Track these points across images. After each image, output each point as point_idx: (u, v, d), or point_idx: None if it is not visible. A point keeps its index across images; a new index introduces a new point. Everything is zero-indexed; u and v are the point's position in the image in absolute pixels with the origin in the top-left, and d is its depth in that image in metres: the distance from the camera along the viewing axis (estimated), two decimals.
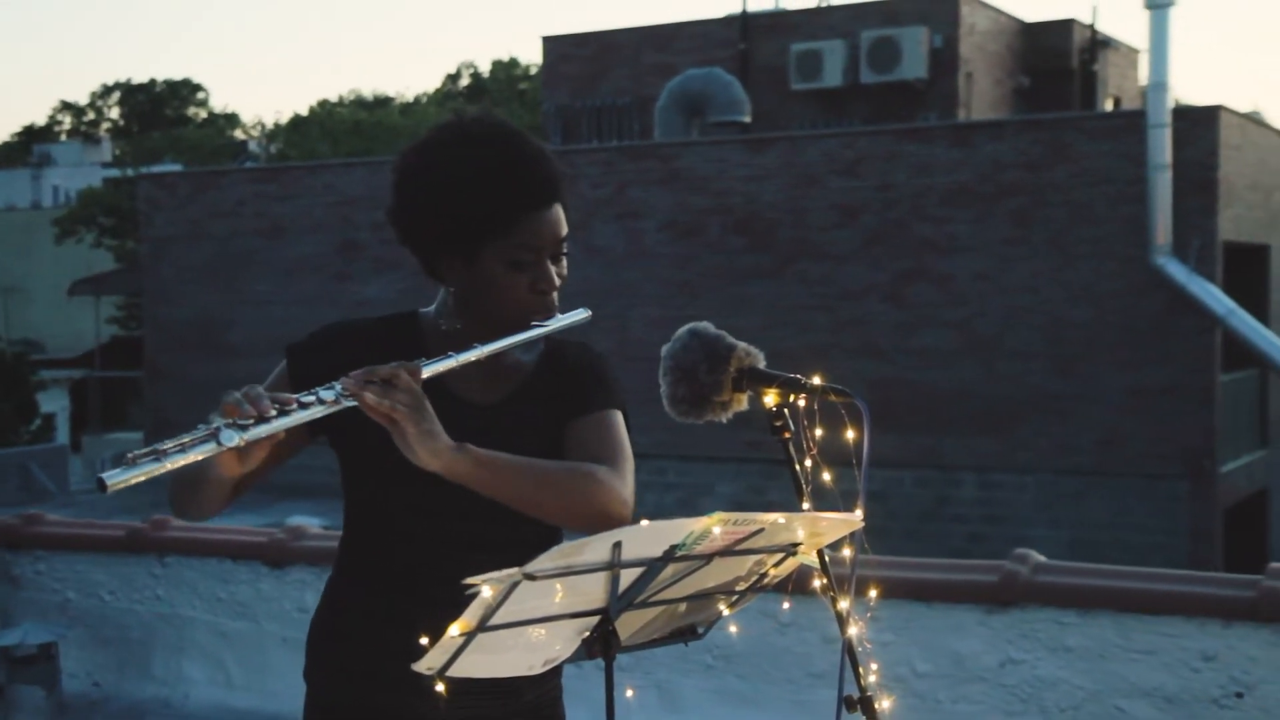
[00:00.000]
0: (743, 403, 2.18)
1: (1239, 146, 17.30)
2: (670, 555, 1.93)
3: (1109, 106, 24.02)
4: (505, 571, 1.80)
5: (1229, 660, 4.22)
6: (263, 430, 1.92)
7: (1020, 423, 16.23)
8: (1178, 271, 16.08)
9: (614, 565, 1.89)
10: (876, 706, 2.07)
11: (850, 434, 2.07)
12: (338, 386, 1.99)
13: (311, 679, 2.32)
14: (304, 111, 39.36)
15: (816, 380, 2.12)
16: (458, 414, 2.17)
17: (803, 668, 4.70)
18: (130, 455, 1.88)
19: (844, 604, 2.10)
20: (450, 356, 2.09)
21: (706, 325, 2.19)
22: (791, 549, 2.07)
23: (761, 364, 2.17)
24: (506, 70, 40.17)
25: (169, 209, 21.75)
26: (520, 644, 1.98)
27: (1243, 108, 17.02)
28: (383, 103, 40.19)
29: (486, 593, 1.81)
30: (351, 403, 1.98)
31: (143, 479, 1.88)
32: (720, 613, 2.17)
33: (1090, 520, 15.97)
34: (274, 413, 1.94)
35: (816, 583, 2.12)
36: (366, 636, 2.24)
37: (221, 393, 1.97)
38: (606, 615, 1.99)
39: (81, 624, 5.73)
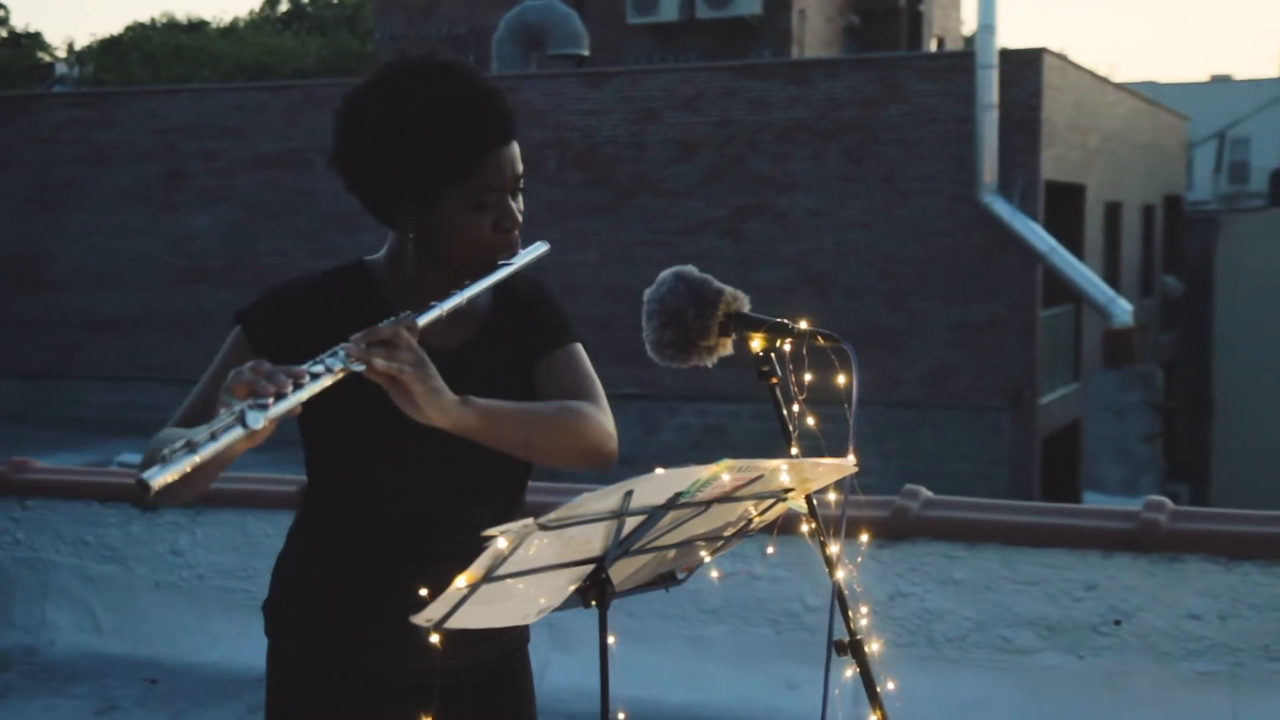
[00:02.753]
0: (728, 347, 2.17)
1: (1060, 88, 17.81)
2: (673, 502, 1.92)
3: (934, 46, 24.50)
4: (520, 522, 1.77)
5: (1109, 590, 4.38)
6: (284, 406, 1.85)
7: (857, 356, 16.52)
8: (1003, 210, 16.55)
9: (620, 514, 1.88)
10: (866, 649, 2.09)
11: (841, 378, 2.07)
12: (341, 353, 1.92)
13: (277, 635, 2.25)
14: (115, 33, 37.88)
15: (803, 324, 2.12)
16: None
17: (695, 603, 4.74)
18: (166, 452, 1.80)
19: (833, 548, 2.11)
20: (434, 307, 2.02)
21: (691, 269, 2.16)
22: (783, 495, 2.08)
23: (747, 308, 2.16)
24: None
25: None
26: (517, 594, 1.96)
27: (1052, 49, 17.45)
28: (197, 26, 38.85)
29: (502, 543, 1.78)
30: (359, 367, 1.92)
31: (180, 474, 1.79)
32: (701, 559, 2.17)
33: (919, 451, 16.43)
34: (290, 388, 1.87)
35: (805, 527, 2.12)
36: (341, 592, 2.17)
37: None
38: (601, 564, 1.97)
39: None
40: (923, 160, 16.78)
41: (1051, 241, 16.74)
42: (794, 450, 2.13)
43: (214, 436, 1.80)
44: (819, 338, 2.11)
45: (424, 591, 1.92)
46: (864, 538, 2.06)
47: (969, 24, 29.22)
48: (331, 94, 19.68)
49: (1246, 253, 25.32)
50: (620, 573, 2.03)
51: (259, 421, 1.81)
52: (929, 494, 4.65)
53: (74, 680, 5.09)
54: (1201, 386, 24.97)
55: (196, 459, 1.77)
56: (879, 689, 2.11)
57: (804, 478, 2.05)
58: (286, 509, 5.13)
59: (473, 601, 1.88)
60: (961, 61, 17.17)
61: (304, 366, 1.89)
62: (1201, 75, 66.74)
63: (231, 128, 19.36)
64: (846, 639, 2.12)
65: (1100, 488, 16.94)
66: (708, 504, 1.96)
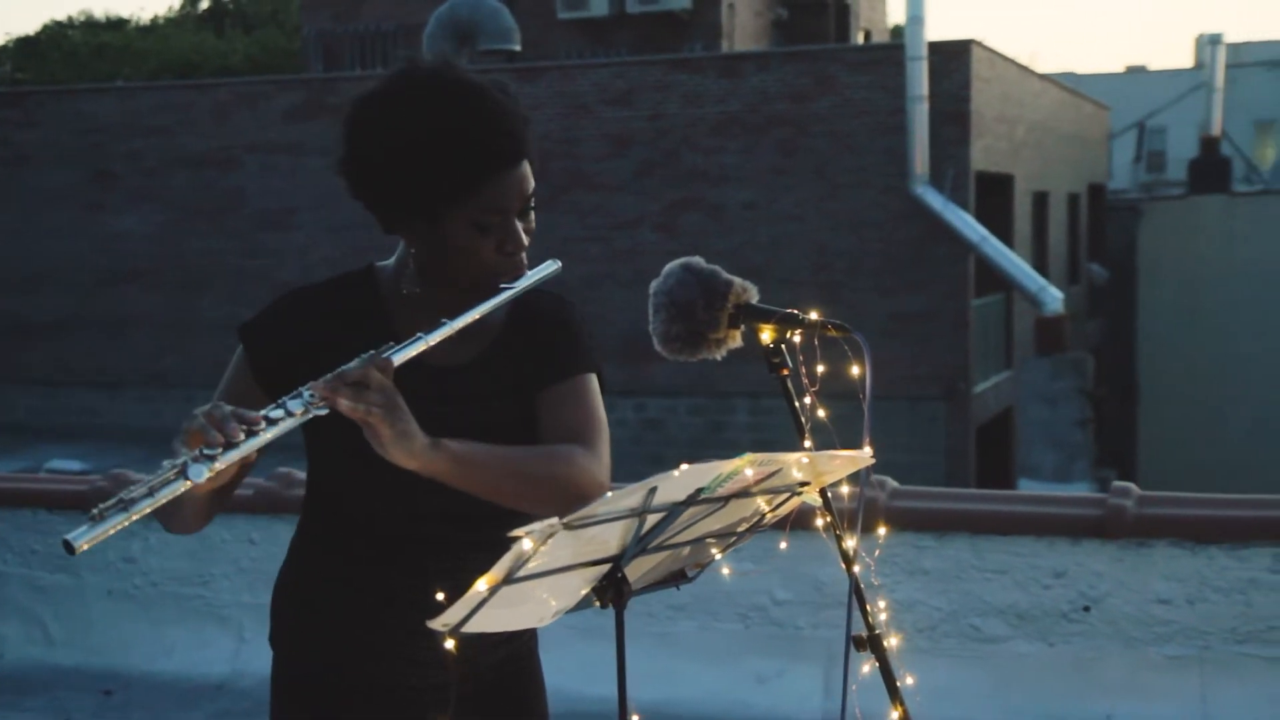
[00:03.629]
0: (737, 339, 2.12)
1: (988, 80, 17.96)
2: (694, 498, 1.88)
3: (861, 39, 24.62)
4: (545, 522, 1.72)
5: (1077, 576, 4.39)
6: (232, 456, 1.79)
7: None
8: (935, 200, 16.65)
9: (643, 511, 1.84)
10: (885, 644, 2.06)
11: (855, 369, 2.04)
12: (305, 394, 1.86)
13: (281, 645, 2.18)
14: (30, 31, 37.16)
15: (814, 315, 2.08)
16: (424, 379, 2.05)
17: (663, 600, 4.71)
18: (96, 511, 1.74)
19: (850, 542, 2.08)
20: (420, 338, 1.95)
21: (699, 260, 2.12)
22: (798, 488, 2.04)
23: (756, 299, 2.12)
24: None
25: None
26: (534, 596, 1.91)
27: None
28: (116, 25, 38.19)
29: (527, 545, 1.73)
30: (322, 410, 1.85)
31: (114, 531, 1.74)
32: (712, 556, 2.13)
33: (856, 442, 16.48)
34: (241, 436, 1.80)
35: (819, 521, 2.09)
36: (345, 604, 2.11)
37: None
38: (617, 563, 1.93)
39: None
40: (854, 152, 16.85)
41: (983, 231, 16.87)
42: (807, 443, 2.09)
43: (152, 492, 1.74)
44: (830, 328, 2.07)
45: (440, 595, 1.86)
46: (881, 530, 2.05)
47: (894, 17, 29.45)
48: (260, 91, 19.58)
49: (1167, 240, 25.71)
50: (634, 572, 1.98)
51: (202, 475, 1.75)
52: (895, 484, 4.64)
53: (26, 693, 4.96)
54: (1127, 372, 25.31)
55: (135, 516, 1.72)
56: (899, 684, 2.07)
57: (820, 471, 2.02)
58: (242, 513, 5.04)
59: (491, 605, 1.84)
60: (891, 54, 17.27)
61: (262, 411, 1.83)
62: (1118, 66, 67.71)
63: (159, 127, 19.05)
64: (865, 634, 2.08)
65: (1034, 474, 17.10)
66: (726, 499, 1.93)
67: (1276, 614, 4.26)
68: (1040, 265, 20.07)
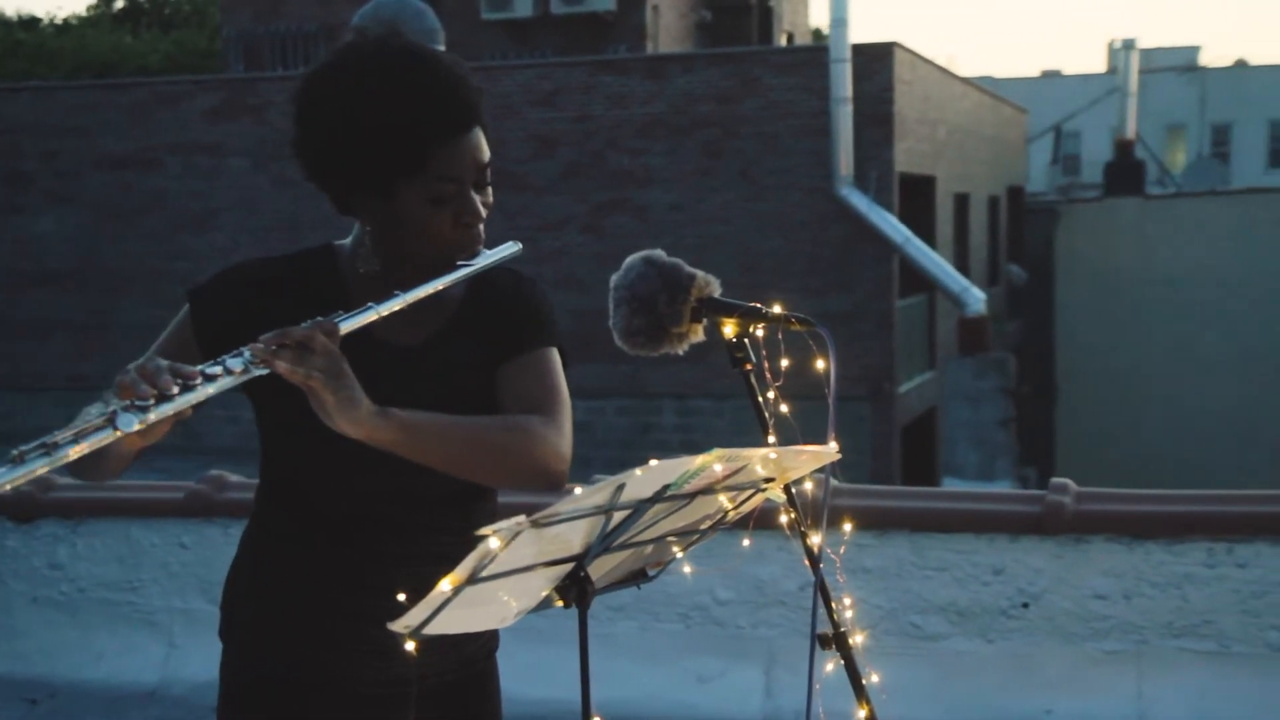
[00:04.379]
0: (699, 333, 2.10)
1: (910, 82, 18.11)
2: (659, 495, 1.85)
3: (784, 41, 24.73)
4: (511, 520, 1.69)
5: (1016, 573, 4.41)
6: (165, 409, 1.73)
7: (715, 350, 16.52)
8: (859, 202, 16.76)
9: (609, 508, 1.80)
10: (851, 642, 2.04)
11: (820, 363, 2.02)
12: (246, 353, 1.80)
13: (233, 639, 2.12)
14: None
15: (777, 309, 2.06)
16: (380, 357, 2.01)
17: (603, 601, 4.67)
18: (17, 452, 1.68)
19: (815, 539, 2.06)
20: (370, 308, 1.90)
21: (661, 253, 2.09)
22: (762, 485, 2.02)
23: (719, 292, 2.09)
24: None
25: None
26: (496, 597, 1.87)
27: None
28: (29, 24, 37.48)
29: (494, 543, 1.69)
30: (262, 370, 1.80)
31: (36, 474, 1.69)
32: (674, 554, 2.10)
33: (783, 442, 16.55)
34: (175, 389, 1.74)
35: (783, 518, 2.07)
36: (302, 592, 2.06)
37: None
38: (580, 562, 1.90)
39: None
40: (779, 154, 16.91)
41: (906, 232, 17.01)
42: (771, 438, 2.08)
43: (78, 438, 1.69)
44: (793, 322, 2.05)
45: (402, 596, 1.82)
46: (847, 527, 2.04)
47: (816, 19, 29.63)
48: (181, 92, 19.28)
49: (1083, 241, 26.09)
50: (596, 571, 1.95)
51: (132, 425, 1.70)
52: (836, 482, 4.62)
53: None
54: (1045, 372, 25.64)
55: (59, 460, 1.67)
56: (864, 681, 2.05)
57: (786, 467, 2.00)
58: (173, 517, 4.94)
59: (454, 605, 1.80)
60: (815, 56, 17.35)
61: (200, 367, 1.78)
62: (1034, 71, 68.64)
63: (75, 127, 18.70)
64: (830, 632, 2.06)
65: (958, 473, 17.27)
66: (692, 496, 1.90)
67: (1211, 608, 4.31)
68: (962, 266, 20.27)
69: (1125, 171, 27.85)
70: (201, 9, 36.54)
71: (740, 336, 2.07)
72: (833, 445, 1.97)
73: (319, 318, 1.84)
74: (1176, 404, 24.83)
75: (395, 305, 1.93)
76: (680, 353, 2.11)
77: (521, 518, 1.69)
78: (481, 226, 2.06)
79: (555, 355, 2.11)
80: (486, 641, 2.21)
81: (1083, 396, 25.37)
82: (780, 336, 2.09)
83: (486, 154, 2.04)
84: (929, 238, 18.38)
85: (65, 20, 39.48)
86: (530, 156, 17.19)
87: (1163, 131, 47.34)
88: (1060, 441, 25.35)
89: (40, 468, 1.67)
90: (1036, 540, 4.40)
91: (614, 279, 2.09)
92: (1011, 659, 4.42)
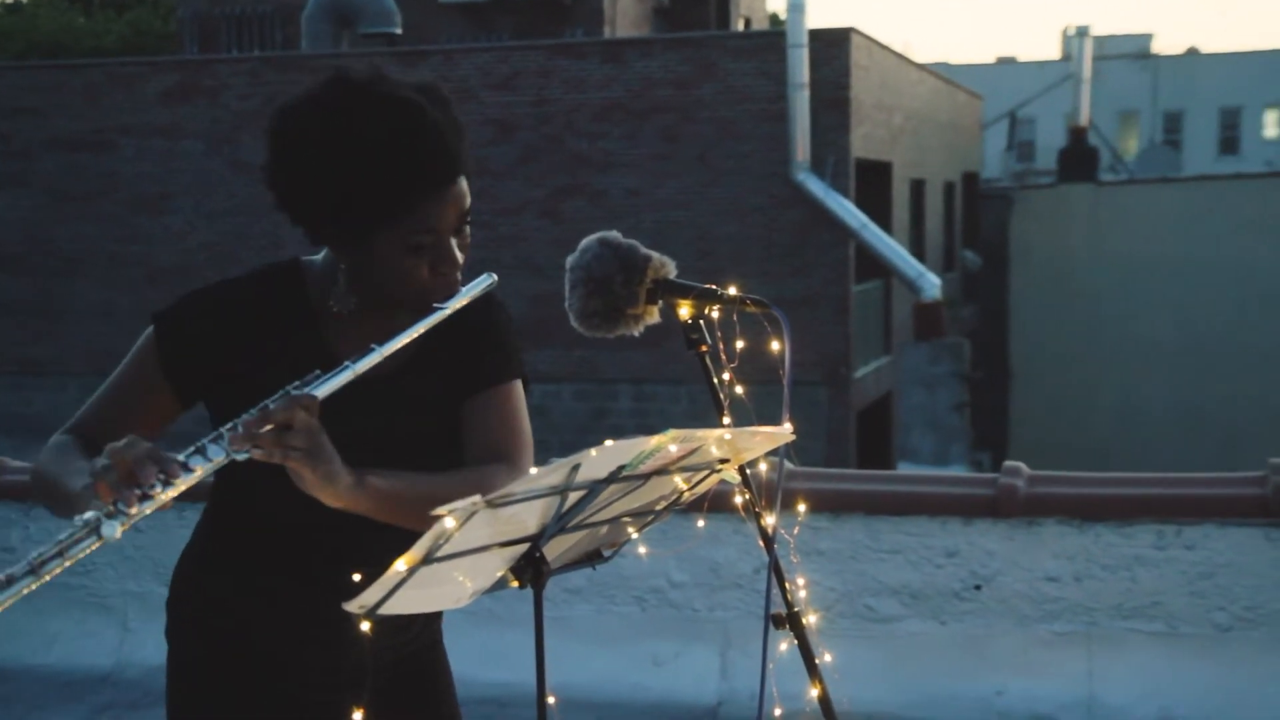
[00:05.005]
0: (655, 315, 2.11)
1: (866, 68, 18.17)
2: (614, 476, 1.86)
3: (741, 26, 24.74)
4: (466, 500, 1.69)
5: (969, 555, 4.45)
6: (146, 509, 1.74)
7: (672, 335, 16.54)
8: (816, 187, 16.82)
9: (564, 489, 1.81)
10: (804, 622, 2.06)
11: (775, 345, 2.04)
12: (225, 439, 1.79)
13: (181, 632, 2.11)
14: None
15: (732, 290, 2.07)
16: (350, 387, 2.00)
17: (558, 583, 4.68)
18: (6, 575, 1.70)
19: (769, 519, 2.08)
20: (347, 368, 1.88)
21: (616, 234, 2.10)
22: (717, 466, 2.03)
23: (674, 274, 2.10)
24: None
25: None
26: (451, 578, 1.88)
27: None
28: None
29: (450, 523, 1.70)
30: (243, 456, 1.79)
31: (25, 593, 1.72)
32: (629, 535, 2.11)
33: (739, 424, 16.62)
34: (158, 488, 1.73)
35: (738, 499, 2.09)
36: (249, 585, 2.06)
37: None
38: (535, 543, 1.91)
39: None
40: (737, 139, 16.94)
41: (863, 218, 17.08)
42: (726, 419, 2.09)
43: (62, 553, 1.71)
44: (748, 303, 2.07)
45: (357, 576, 1.83)
46: (801, 508, 2.07)
47: (772, 4, 29.65)
48: (135, 73, 19.09)
49: (1037, 227, 26.28)
50: (551, 551, 1.96)
51: (115, 531, 1.71)
52: (791, 465, 4.66)
53: None
54: (999, 357, 25.82)
55: (46, 578, 1.70)
56: (817, 661, 2.08)
57: (740, 448, 2.01)
58: None
59: (409, 585, 1.80)
60: (773, 41, 17.38)
61: (180, 456, 1.77)
62: (989, 57, 69.01)
63: (28, 108, 18.50)
64: (784, 612, 2.08)
65: (913, 457, 17.38)
66: (647, 477, 1.91)
67: (1159, 589, 4.36)
68: (918, 252, 20.38)
69: (1079, 158, 28.05)
70: None
71: (696, 318, 2.08)
72: (787, 427, 1.98)
73: (296, 383, 1.83)
74: (1128, 390, 25.08)
75: (373, 360, 1.91)
76: (636, 334, 2.12)
77: (476, 497, 1.70)
78: (458, 274, 2.04)
79: (519, 389, 2.12)
80: (433, 629, 2.21)
81: (1036, 381, 25.58)
82: (736, 319, 2.10)
83: (468, 200, 2.00)
84: (885, 223, 18.46)
85: (16, 0, 39.03)
86: (488, 141, 17.13)
87: (1115, 118, 47.72)
88: (1014, 426, 25.55)
89: (29, 586, 1.71)
90: (989, 523, 4.43)
91: (570, 260, 2.10)
92: (964, 640, 4.47)
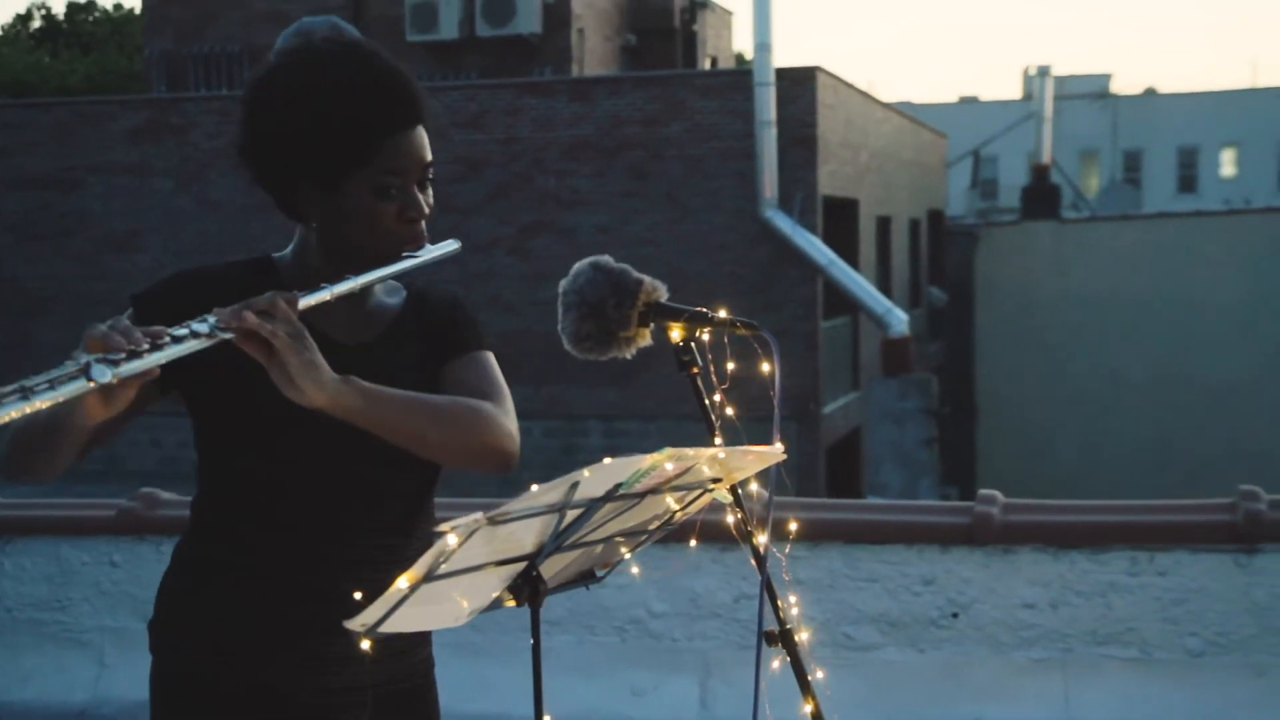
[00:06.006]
0: (646, 338, 2.15)
1: (833, 106, 18.33)
2: (611, 494, 1.89)
3: (707, 65, 24.92)
4: (470, 517, 1.72)
5: (946, 583, 4.49)
6: (136, 366, 1.75)
7: (642, 371, 16.71)
8: (784, 224, 16.92)
9: (563, 507, 1.84)
10: (796, 639, 2.09)
11: (765, 367, 2.08)
12: (211, 319, 1.83)
13: (165, 653, 2.12)
14: None
15: (723, 313, 2.11)
16: (330, 355, 2.04)
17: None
18: None
19: (761, 538, 2.11)
20: (324, 288, 1.95)
21: (608, 259, 2.14)
22: (709, 485, 2.07)
23: (665, 297, 2.15)
24: (85, 12, 37.54)
25: None
26: (451, 595, 1.90)
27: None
28: None
29: (452, 540, 1.72)
30: (227, 335, 1.83)
31: (9, 419, 1.68)
32: (622, 555, 2.14)
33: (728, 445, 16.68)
34: (146, 346, 1.76)
35: (730, 518, 2.12)
36: (237, 602, 2.06)
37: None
38: (532, 561, 1.93)
39: None
40: (705, 176, 17.04)
41: (830, 254, 17.19)
42: (718, 440, 2.12)
43: (53, 386, 1.68)
44: (738, 326, 2.11)
45: (358, 595, 1.84)
46: (793, 526, 2.09)
47: (739, 44, 29.88)
48: (103, 112, 19.07)
49: (1002, 265, 26.50)
50: (547, 571, 1.99)
51: (105, 375, 1.70)
52: (767, 494, 4.69)
53: None
54: (965, 393, 25.97)
55: (34, 405, 1.66)
56: (810, 678, 2.10)
57: (732, 467, 2.04)
58: (104, 535, 4.90)
59: (409, 604, 1.82)
60: (740, 80, 17.51)
61: (168, 329, 1.80)
62: (951, 96, 69.63)
63: None
64: (776, 629, 2.11)
65: (882, 492, 17.42)
66: (643, 495, 1.94)
67: (1134, 615, 4.41)
68: (884, 288, 20.50)
69: (1042, 196, 28.34)
70: (121, 29, 36.16)
71: (687, 340, 2.12)
72: (778, 446, 2.02)
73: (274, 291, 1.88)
74: (1093, 424, 25.25)
75: (347, 287, 1.97)
76: (628, 356, 2.15)
77: (478, 515, 1.72)
78: (424, 224, 2.10)
79: (492, 357, 2.18)
80: (426, 653, 2.23)
81: (1002, 416, 25.73)
82: (726, 340, 2.14)
83: (429, 154, 2.09)
84: (852, 260, 18.57)
85: None
86: (456, 178, 17.17)
87: (1076, 157, 48.23)
88: (980, 461, 25.67)
89: (14, 411, 1.65)
90: (966, 551, 4.48)
91: (562, 284, 2.14)
92: (942, 668, 4.50)
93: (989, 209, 37.81)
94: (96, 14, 37.07)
